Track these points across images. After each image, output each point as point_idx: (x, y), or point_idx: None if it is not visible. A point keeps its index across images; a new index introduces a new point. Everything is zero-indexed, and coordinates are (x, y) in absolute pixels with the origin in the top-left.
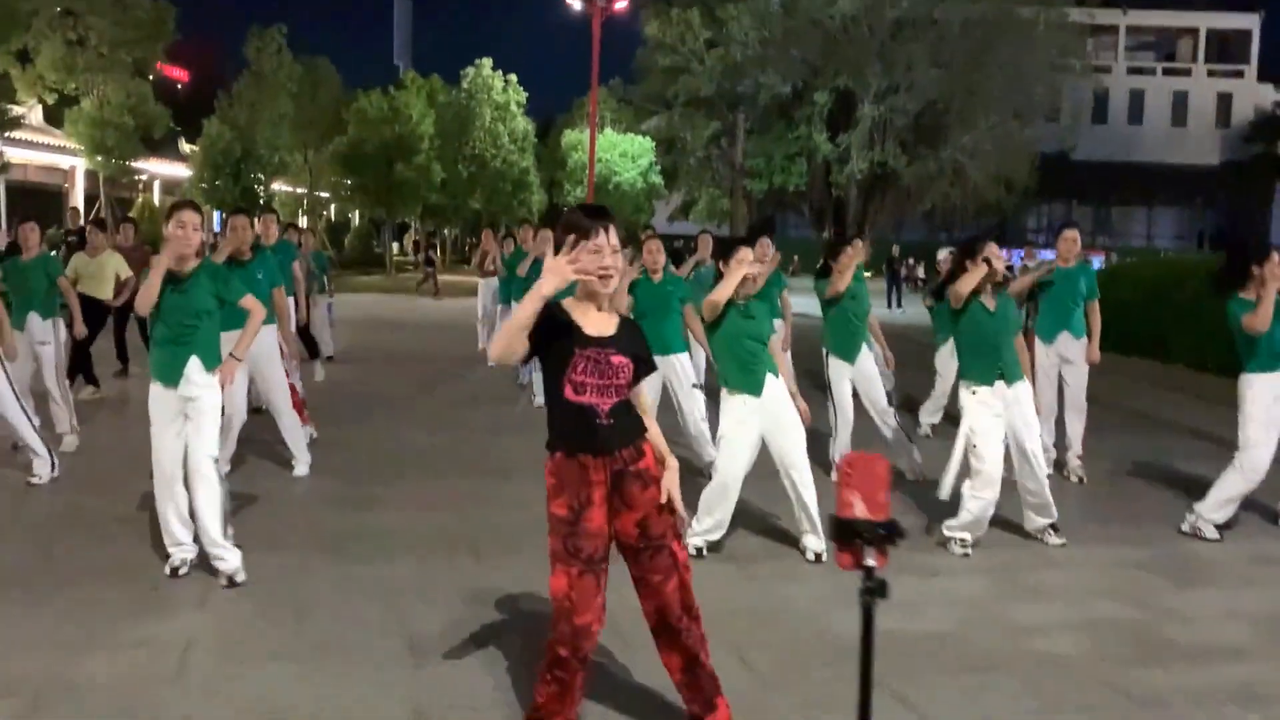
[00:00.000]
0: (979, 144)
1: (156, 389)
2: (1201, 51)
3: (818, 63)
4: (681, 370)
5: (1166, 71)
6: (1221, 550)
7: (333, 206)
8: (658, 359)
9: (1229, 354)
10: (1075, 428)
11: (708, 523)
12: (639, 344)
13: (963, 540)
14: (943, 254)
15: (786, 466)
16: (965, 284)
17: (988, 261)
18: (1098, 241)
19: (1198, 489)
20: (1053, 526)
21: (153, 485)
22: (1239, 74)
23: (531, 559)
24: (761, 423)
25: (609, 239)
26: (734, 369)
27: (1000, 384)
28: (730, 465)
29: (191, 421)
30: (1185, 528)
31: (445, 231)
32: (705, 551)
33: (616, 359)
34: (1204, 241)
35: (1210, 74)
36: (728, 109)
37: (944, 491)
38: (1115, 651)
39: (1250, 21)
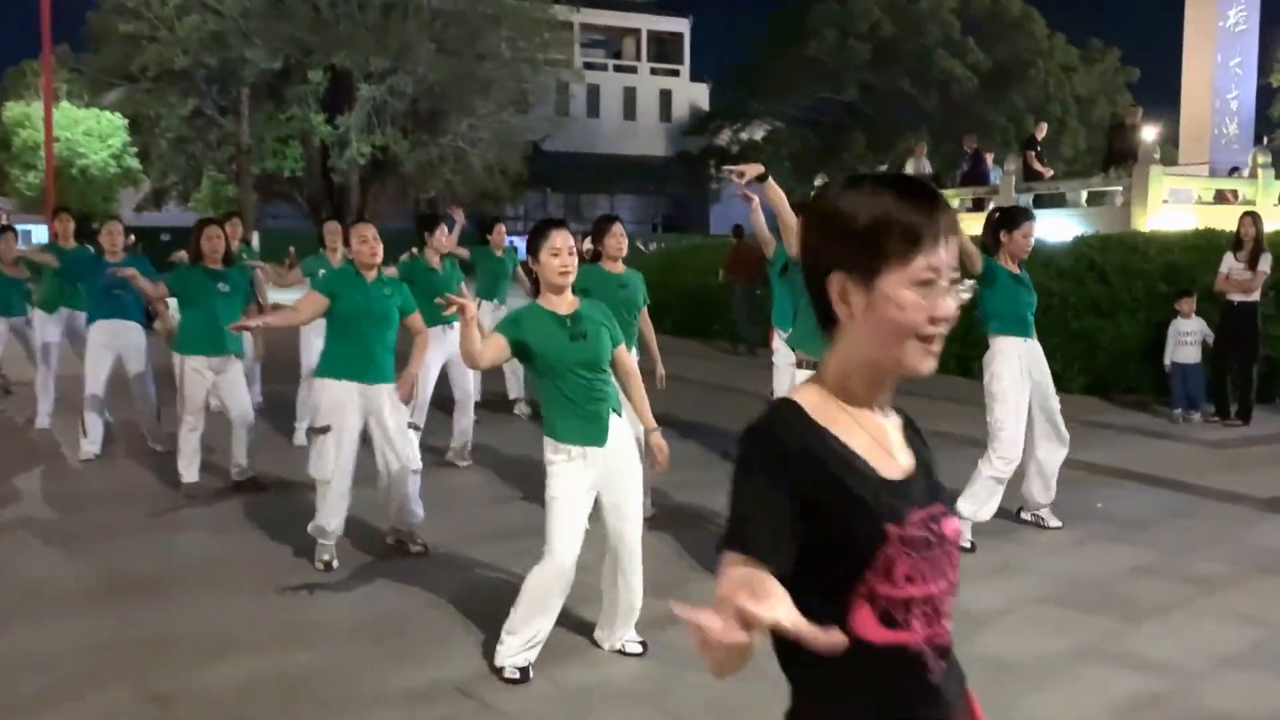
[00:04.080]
0: (478, 131)
1: None
2: (645, 51)
3: (309, 39)
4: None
5: (617, 68)
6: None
7: None
8: (371, 388)
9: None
10: None
11: (527, 634)
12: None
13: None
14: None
15: (618, 536)
16: None
17: None
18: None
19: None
20: None
21: None
22: (675, 73)
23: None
24: (598, 481)
25: (947, 250)
26: (563, 412)
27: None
28: (562, 544)
29: None
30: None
31: None
32: (530, 674)
33: (950, 525)
34: (658, 226)
35: (653, 72)
36: (206, 84)
37: None
38: None
39: (682, 25)
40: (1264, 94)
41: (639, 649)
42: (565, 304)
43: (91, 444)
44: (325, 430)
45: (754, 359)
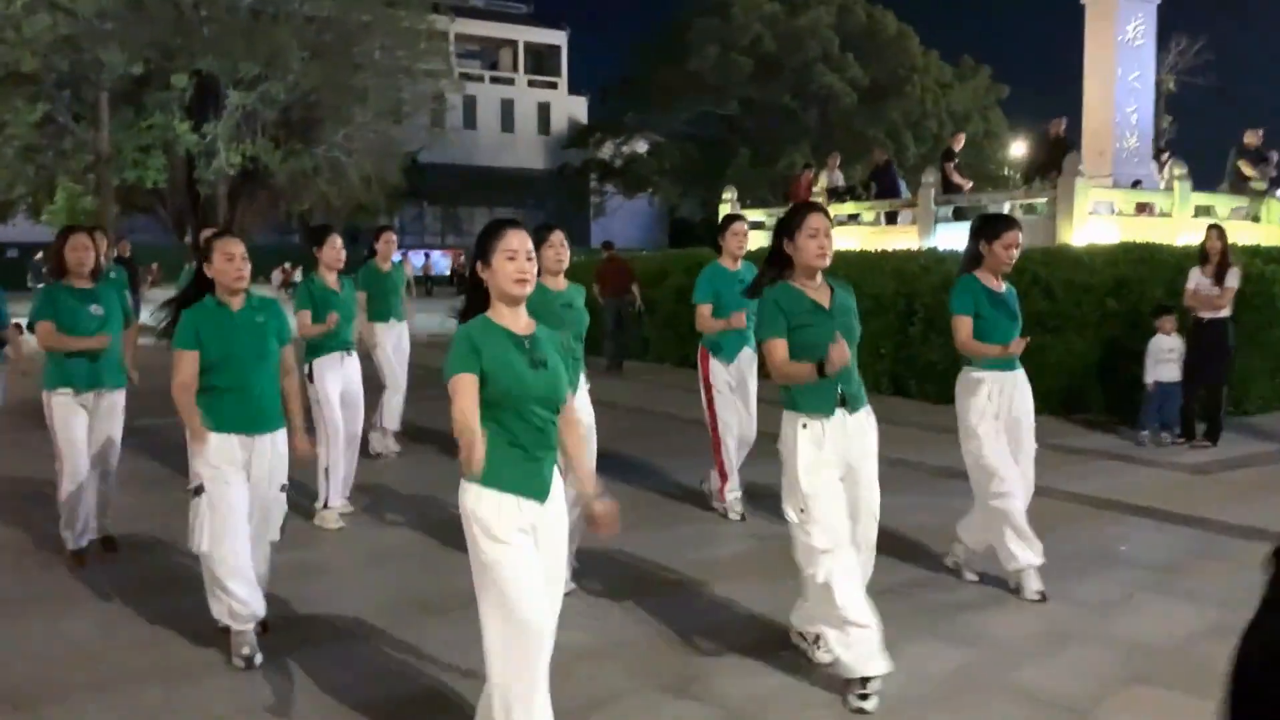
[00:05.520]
0: (353, 142)
1: None
2: (522, 63)
3: (171, 42)
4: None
5: (494, 80)
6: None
7: None
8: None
9: None
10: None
11: None
12: None
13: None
14: None
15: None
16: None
17: None
18: (447, 241)
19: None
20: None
21: None
22: (553, 85)
23: None
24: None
25: None
26: (503, 456)
27: None
28: (524, 614)
29: None
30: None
31: None
32: None
33: None
34: None
35: (531, 84)
36: (58, 88)
37: None
38: None
39: (559, 38)
40: None
41: None
42: (521, 323)
43: None
44: (200, 491)
45: (620, 375)
